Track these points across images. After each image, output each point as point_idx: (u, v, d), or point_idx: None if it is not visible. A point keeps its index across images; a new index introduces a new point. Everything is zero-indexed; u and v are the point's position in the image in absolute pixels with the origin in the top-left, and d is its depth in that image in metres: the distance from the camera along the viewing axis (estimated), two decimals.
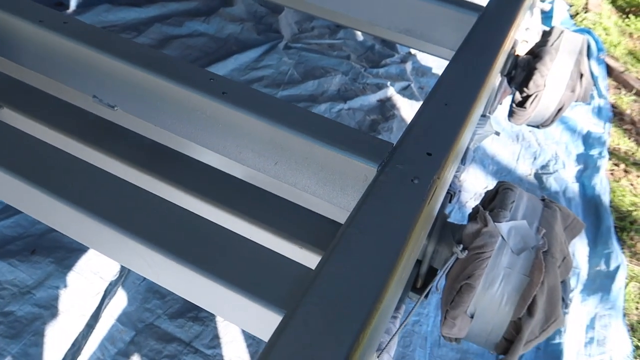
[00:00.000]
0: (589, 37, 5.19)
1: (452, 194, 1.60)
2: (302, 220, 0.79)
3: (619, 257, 2.97)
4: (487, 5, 1.13)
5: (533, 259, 1.24)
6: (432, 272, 1.27)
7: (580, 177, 3.51)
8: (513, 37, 1.08)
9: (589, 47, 5.09)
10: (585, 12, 5.80)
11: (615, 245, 3.05)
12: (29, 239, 2.21)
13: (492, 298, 1.21)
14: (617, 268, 2.90)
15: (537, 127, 2.62)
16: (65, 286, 2.07)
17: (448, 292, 1.26)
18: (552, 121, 2.56)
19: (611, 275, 2.87)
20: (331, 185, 0.74)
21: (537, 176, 3.46)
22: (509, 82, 2.58)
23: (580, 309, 2.73)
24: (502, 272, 1.22)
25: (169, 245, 0.63)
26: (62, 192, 0.70)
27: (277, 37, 4.03)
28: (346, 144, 0.75)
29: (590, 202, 3.38)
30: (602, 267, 2.95)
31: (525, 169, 3.52)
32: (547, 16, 5.67)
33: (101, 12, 3.83)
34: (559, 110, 2.51)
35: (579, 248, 2.99)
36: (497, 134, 1.94)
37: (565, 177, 3.47)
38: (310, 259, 0.76)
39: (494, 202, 1.37)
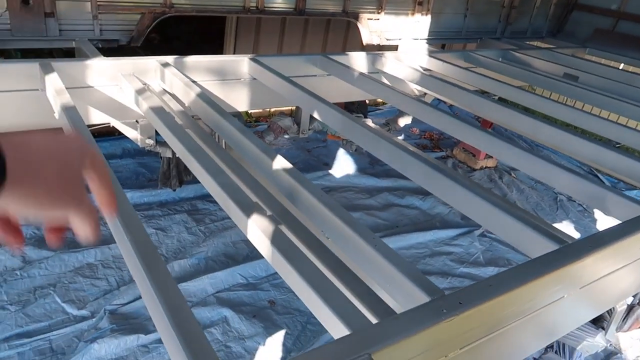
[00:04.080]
0: None
1: None
2: None
3: None
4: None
5: None
6: None
7: None
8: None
9: None
10: None
11: None
12: (253, 308, 3.18)
13: None
14: None
15: None
16: (264, 344, 2.91)
17: None
18: None
19: None
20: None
21: None
22: None
23: None
24: None
25: None
26: None
27: (476, 225, 4.64)
28: (428, 289, 1.41)
29: None
30: None
31: None
32: None
33: (355, 177, 5.12)
34: None
35: None
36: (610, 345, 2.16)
37: None
38: None
39: None
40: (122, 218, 1.54)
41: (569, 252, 1.58)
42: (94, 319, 3.05)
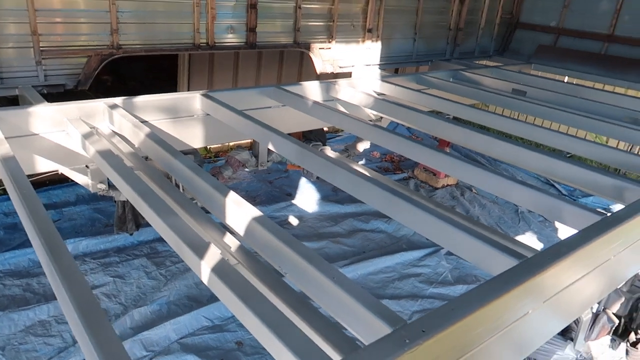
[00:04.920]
0: None
1: None
2: None
3: None
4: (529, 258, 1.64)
5: None
6: None
7: None
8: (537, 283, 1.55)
9: None
10: None
11: None
12: (220, 351, 3.05)
13: None
14: None
15: None
16: None
17: None
18: None
19: None
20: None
21: None
22: (630, 322, 2.69)
23: None
24: None
25: None
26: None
27: None
28: (389, 319, 1.36)
29: None
30: None
31: None
32: None
33: (319, 204, 5.08)
34: None
35: None
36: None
37: None
38: None
39: None
40: (62, 273, 1.44)
41: (529, 266, 1.58)
42: None
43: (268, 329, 1.34)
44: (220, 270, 1.57)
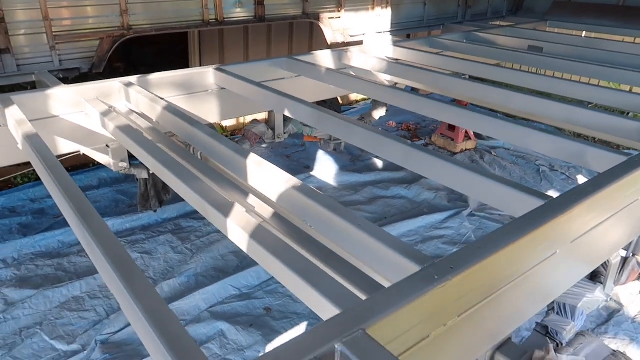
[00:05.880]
0: None
1: (558, 343, 1.92)
2: None
3: None
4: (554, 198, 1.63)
5: None
6: None
7: None
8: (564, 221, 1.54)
9: None
10: None
11: None
12: (249, 317, 3.11)
13: None
14: None
15: None
16: (264, 352, 2.84)
17: None
18: None
19: None
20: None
21: None
22: None
23: None
24: None
25: None
26: None
27: (464, 206, 4.64)
28: (417, 259, 1.37)
29: None
30: None
31: None
32: None
33: (338, 175, 5.08)
34: None
35: None
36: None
37: None
38: None
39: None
40: (100, 241, 1.47)
41: (554, 206, 1.56)
42: (85, 352, 2.95)
43: (295, 274, 1.36)
44: (246, 225, 1.60)
